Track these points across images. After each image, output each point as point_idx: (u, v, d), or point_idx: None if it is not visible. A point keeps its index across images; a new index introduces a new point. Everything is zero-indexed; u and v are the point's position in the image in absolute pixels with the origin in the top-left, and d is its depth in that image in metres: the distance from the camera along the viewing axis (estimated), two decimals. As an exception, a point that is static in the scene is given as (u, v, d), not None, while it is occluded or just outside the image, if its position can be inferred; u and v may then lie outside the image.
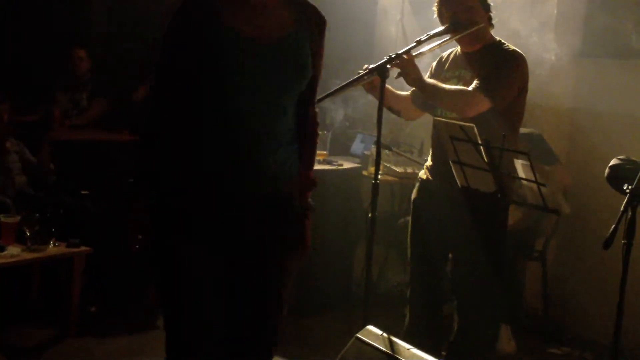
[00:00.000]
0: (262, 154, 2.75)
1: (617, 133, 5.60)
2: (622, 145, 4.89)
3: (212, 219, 2.77)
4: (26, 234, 5.12)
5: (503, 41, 4.21)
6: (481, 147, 3.62)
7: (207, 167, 2.74)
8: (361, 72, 4.03)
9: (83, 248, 5.30)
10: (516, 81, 4.08)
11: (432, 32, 4.07)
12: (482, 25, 4.11)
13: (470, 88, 4.00)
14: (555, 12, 6.19)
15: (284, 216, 2.90)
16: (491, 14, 4.21)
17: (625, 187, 3.44)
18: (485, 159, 3.64)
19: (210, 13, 2.71)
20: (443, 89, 4.04)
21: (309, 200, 3.04)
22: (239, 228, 2.80)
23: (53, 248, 5.23)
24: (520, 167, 3.62)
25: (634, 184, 3.40)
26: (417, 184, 4.39)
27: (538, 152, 5.38)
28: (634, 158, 4.23)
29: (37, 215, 5.19)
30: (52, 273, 5.62)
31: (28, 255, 5.08)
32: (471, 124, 3.66)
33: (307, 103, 2.95)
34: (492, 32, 4.23)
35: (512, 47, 4.17)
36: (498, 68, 4.05)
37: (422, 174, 4.37)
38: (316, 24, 2.90)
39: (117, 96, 7.70)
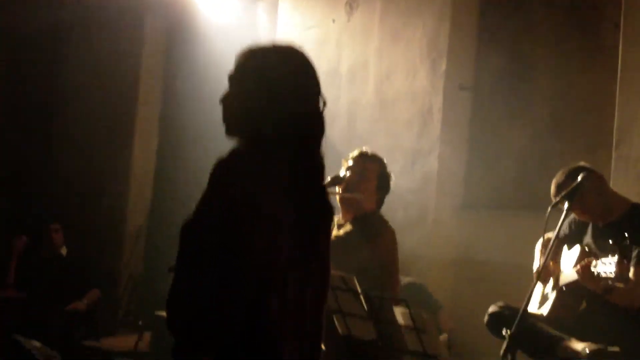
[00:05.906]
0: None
1: (497, 281, 5.69)
2: (502, 293, 4.95)
3: None
4: None
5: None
6: (361, 296, 3.66)
7: None
8: None
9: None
10: None
11: None
12: (359, 197, 4.23)
13: None
14: (437, 166, 6.36)
15: None
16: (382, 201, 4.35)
17: (504, 332, 3.51)
18: (365, 308, 3.67)
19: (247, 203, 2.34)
20: None
21: None
22: None
23: None
24: (400, 315, 3.65)
25: (513, 328, 3.47)
26: None
27: (418, 300, 5.43)
28: (512, 305, 4.32)
29: None
30: None
31: None
32: (352, 275, 3.70)
33: None
34: None
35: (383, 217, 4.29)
36: None
37: None
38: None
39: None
